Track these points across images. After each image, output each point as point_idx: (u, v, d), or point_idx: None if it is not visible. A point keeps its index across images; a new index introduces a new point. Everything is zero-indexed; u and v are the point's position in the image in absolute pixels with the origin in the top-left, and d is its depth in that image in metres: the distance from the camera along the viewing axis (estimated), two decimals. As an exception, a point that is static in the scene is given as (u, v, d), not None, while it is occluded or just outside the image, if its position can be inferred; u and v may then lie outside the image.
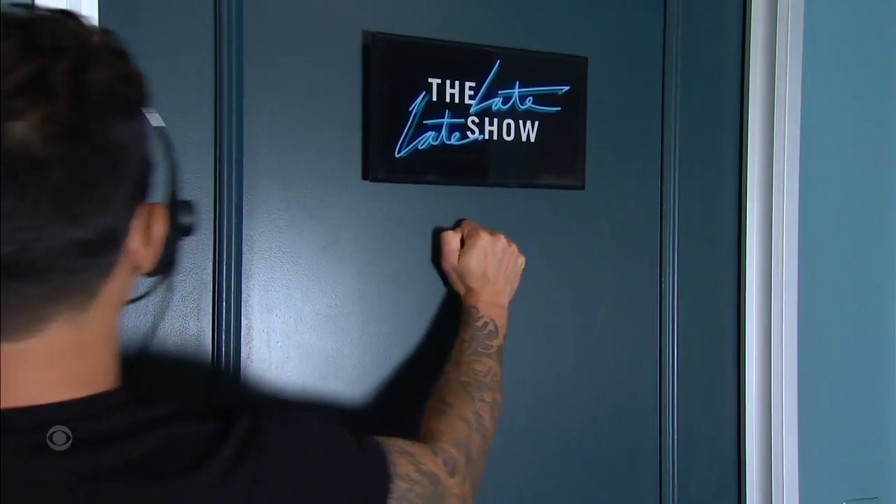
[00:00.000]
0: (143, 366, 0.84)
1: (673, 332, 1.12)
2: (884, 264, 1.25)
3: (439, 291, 0.99)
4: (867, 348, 1.25)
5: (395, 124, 0.86)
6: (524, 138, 0.92)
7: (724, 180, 1.13)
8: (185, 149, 0.85)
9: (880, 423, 1.22)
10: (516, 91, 0.93)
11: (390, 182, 0.88)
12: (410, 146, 0.88)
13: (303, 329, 0.94)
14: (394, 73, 0.86)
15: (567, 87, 0.95)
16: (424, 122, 0.88)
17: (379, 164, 0.86)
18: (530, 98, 0.93)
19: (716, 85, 1.11)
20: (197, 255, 0.88)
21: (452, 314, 0.98)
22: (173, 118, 0.82)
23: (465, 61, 0.90)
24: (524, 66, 0.93)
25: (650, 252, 1.09)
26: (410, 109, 0.87)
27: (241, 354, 0.90)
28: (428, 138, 0.89)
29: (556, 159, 0.95)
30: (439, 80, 0.88)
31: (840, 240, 1.24)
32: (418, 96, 0.87)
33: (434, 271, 0.98)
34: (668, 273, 1.10)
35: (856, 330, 1.24)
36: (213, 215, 0.88)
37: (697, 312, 1.16)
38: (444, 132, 0.89)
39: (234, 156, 0.86)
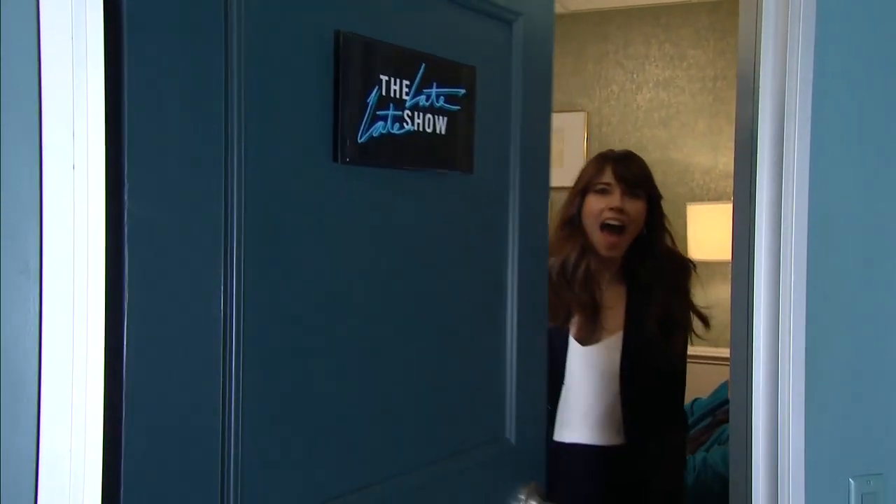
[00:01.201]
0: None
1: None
2: (894, 240, 1.25)
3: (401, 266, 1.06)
4: (876, 325, 1.25)
5: (357, 113, 0.99)
6: (438, 130, 1.11)
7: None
8: (194, 139, 0.83)
9: (887, 400, 1.23)
10: (434, 91, 1.10)
11: (354, 164, 0.99)
12: (367, 133, 1.00)
13: (281, 316, 0.92)
14: (357, 69, 0.99)
15: (464, 90, 1.15)
16: (377, 112, 1.01)
17: (346, 147, 0.98)
18: (442, 97, 1.11)
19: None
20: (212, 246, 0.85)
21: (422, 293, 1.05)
22: (185, 112, 0.81)
23: (403, 63, 1.06)
24: (439, 71, 1.11)
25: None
26: (368, 101, 1.00)
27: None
28: (379, 127, 1.01)
29: (457, 149, 1.16)
30: (387, 78, 1.03)
31: (851, 218, 1.23)
32: (373, 90, 1.01)
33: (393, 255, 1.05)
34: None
35: (865, 306, 1.24)
36: (223, 210, 0.85)
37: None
38: (389, 122, 1.03)
39: (242, 149, 0.86)
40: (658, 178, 3.86)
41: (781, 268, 1.18)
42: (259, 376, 0.87)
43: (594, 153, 3.96)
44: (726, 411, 2.67)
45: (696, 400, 3.00)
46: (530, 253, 1.31)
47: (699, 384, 3.41)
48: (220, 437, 0.83)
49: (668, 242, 1.88)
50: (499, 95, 1.24)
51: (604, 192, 1.80)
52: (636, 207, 1.79)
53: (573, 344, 1.80)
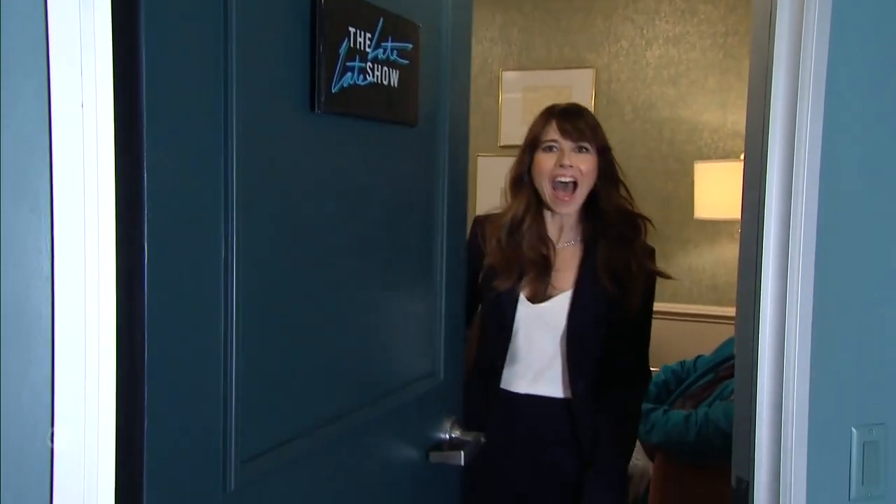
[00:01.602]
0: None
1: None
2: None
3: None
4: (884, 279, 1.25)
5: (331, 64, 1.01)
6: (392, 83, 1.15)
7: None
8: (200, 89, 0.84)
9: (892, 350, 1.23)
10: (389, 44, 1.14)
11: (327, 113, 1.02)
12: (339, 84, 1.03)
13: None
14: (332, 20, 1.01)
15: (411, 45, 1.19)
16: (347, 63, 1.04)
17: (321, 97, 1.00)
18: (395, 51, 1.15)
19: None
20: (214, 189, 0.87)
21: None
22: (193, 63, 0.82)
23: (366, 16, 1.09)
24: (393, 25, 1.15)
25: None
26: (339, 52, 1.03)
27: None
28: (348, 78, 1.05)
29: (405, 101, 1.21)
30: (354, 30, 1.05)
31: (863, 174, 1.23)
32: (344, 41, 1.03)
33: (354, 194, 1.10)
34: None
35: (874, 259, 1.24)
36: (223, 157, 0.87)
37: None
38: (356, 74, 1.06)
39: (239, 95, 0.87)
40: (666, 136, 3.89)
41: (791, 221, 1.18)
42: (250, 311, 0.90)
43: (602, 110, 3.96)
44: (729, 368, 2.69)
45: (698, 357, 3.02)
46: (456, 203, 1.39)
47: (702, 342, 3.43)
48: (223, 359, 0.87)
49: (623, 194, 1.82)
50: (432, 53, 1.29)
51: (551, 149, 1.76)
52: (586, 162, 1.75)
53: (523, 302, 1.78)
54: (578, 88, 3.93)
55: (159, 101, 0.77)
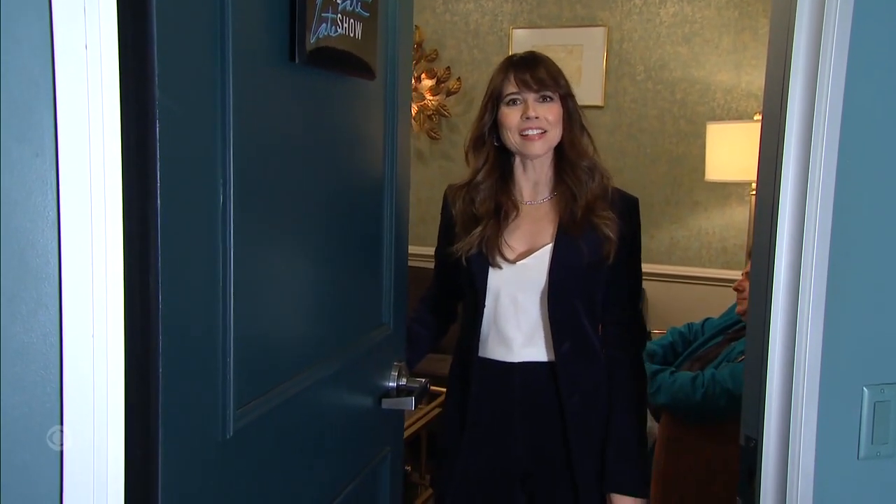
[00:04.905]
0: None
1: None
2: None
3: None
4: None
5: (309, 15, 1.02)
6: (356, 36, 1.15)
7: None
8: (199, 38, 0.83)
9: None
10: None
11: (305, 64, 1.03)
12: (315, 35, 1.03)
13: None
14: None
15: None
16: (322, 14, 1.04)
17: (301, 48, 1.01)
18: (359, 3, 1.15)
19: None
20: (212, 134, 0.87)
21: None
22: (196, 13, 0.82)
23: None
24: None
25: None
26: (316, 2, 1.03)
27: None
28: (323, 29, 1.05)
29: (367, 54, 1.21)
30: None
31: (886, 133, 1.20)
32: None
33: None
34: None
35: (890, 214, 1.22)
36: (219, 107, 0.87)
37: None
38: (329, 25, 1.07)
39: (234, 47, 0.88)
40: (678, 96, 3.84)
41: (809, 179, 1.16)
42: (242, 258, 0.92)
43: (614, 70, 3.89)
44: (737, 330, 2.69)
45: (706, 320, 3.02)
46: (402, 158, 1.42)
47: (711, 305, 3.43)
48: (222, 300, 0.88)
49: (587, 142, 1.75)
50: (383, 8, 1.28)
51: (515, 102, 1.69)
52: (551, 111, 1.69)
53: (498, 264, 1.71)
54: (590, 47, 3.87)
55: (164, 43, 0.75)
